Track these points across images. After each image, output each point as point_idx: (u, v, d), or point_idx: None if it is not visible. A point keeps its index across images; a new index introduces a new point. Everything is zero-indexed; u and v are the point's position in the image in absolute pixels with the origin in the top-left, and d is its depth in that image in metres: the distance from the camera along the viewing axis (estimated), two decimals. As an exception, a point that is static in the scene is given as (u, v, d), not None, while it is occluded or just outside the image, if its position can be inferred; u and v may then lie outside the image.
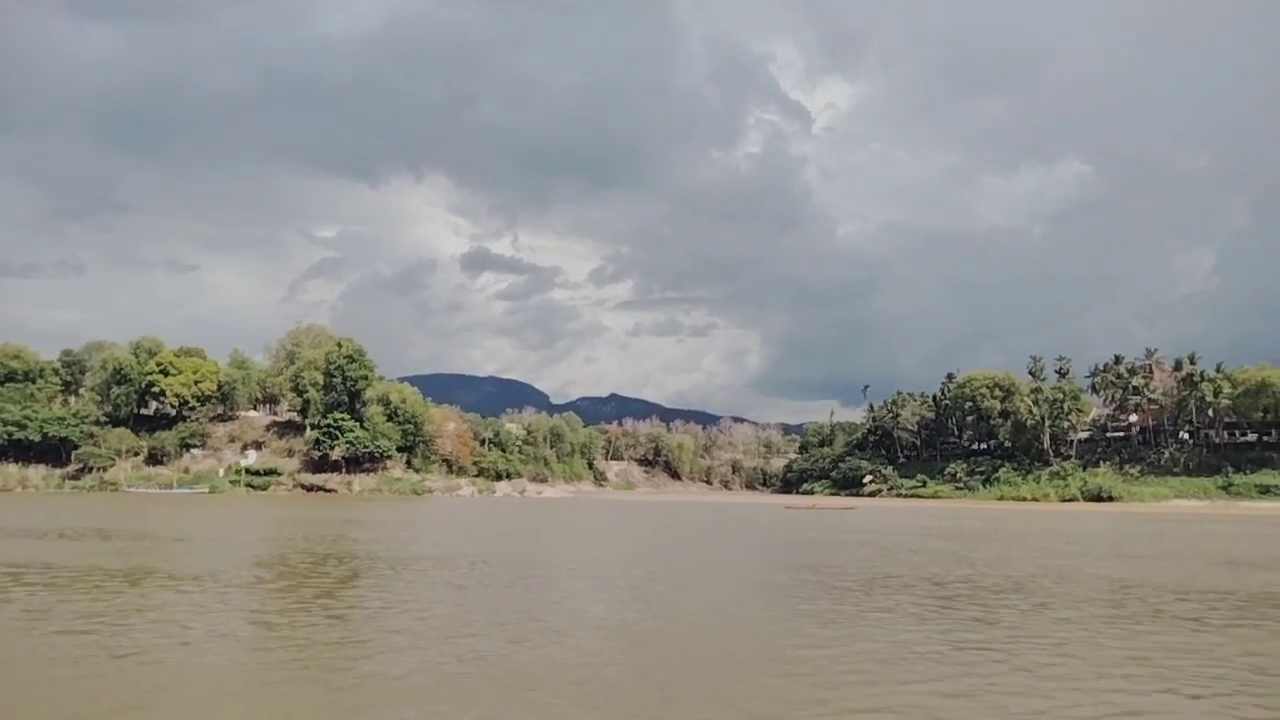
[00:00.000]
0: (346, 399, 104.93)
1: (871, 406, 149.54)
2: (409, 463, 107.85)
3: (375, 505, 70.44)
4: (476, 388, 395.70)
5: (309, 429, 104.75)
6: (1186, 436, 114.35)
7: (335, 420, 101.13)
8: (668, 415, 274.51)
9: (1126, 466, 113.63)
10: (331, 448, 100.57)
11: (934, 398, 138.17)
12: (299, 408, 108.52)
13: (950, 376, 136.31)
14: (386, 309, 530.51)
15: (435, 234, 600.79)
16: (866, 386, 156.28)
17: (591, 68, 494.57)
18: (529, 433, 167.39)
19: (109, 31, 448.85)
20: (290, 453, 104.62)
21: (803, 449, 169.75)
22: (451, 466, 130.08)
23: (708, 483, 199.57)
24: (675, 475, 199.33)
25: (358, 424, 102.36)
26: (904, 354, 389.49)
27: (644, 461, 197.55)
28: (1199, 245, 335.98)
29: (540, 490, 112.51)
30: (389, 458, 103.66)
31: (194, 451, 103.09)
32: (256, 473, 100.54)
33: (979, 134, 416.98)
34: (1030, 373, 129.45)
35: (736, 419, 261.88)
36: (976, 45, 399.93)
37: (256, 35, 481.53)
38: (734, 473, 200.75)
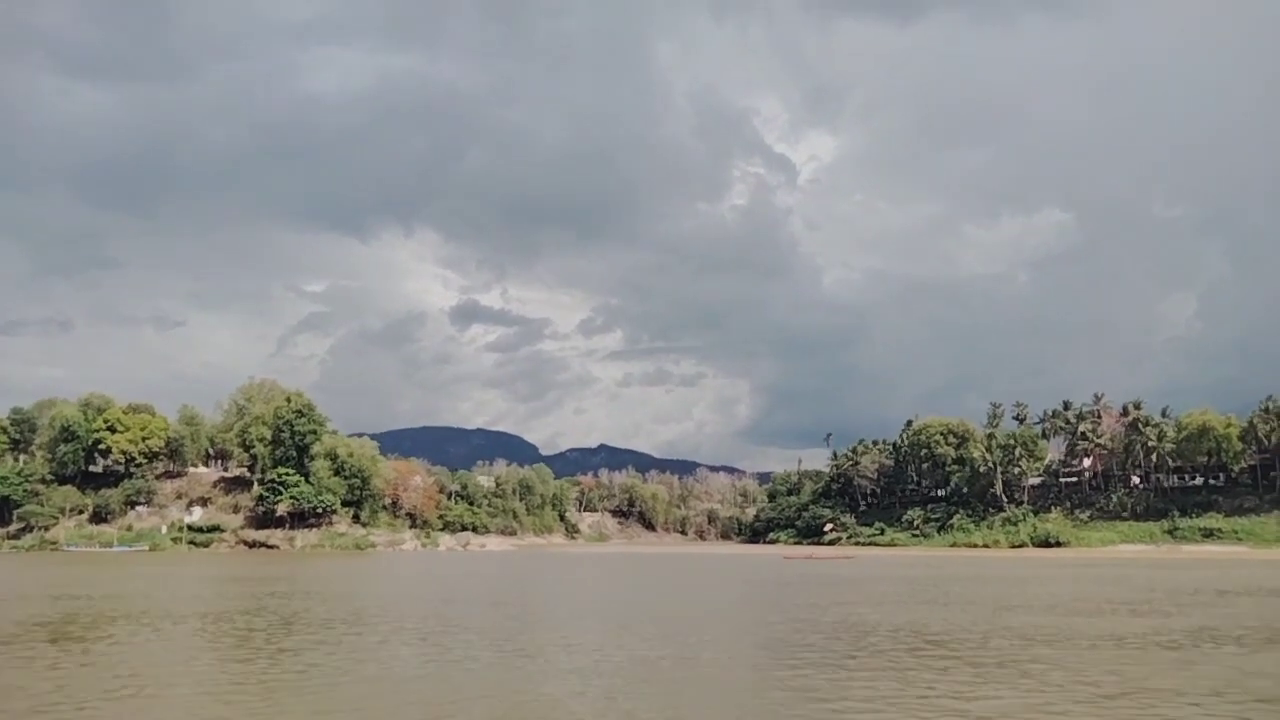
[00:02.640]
0: (295, 454, 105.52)
1: (835, 454, 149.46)
2: (356, 517, 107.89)
3: (309, 562, 70.62)
4: (465, 440, 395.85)
5: (256, 485, 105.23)
6: (1137, 481, 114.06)
7: (280, 475, 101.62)
8: (658, 465, 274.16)
9: (1077, 511, 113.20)
10: (276, 503, 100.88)
11: (894, 445, 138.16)
12: (247, 463, 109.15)
13: (909, 424, 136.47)
14: (375, 362, 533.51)
15: (424, 287, 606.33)
16: (829, 435, 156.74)
17: (578, 121, 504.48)
18: (499, 485, 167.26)
19: (99, 89, 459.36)
20: (236, 509, 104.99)
21: (771, 498, 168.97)
22: (415, 520, 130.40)
23: (683, 533, 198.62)
24: (650, 526, 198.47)
25: (303, 479, 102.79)
26: (891, 400, 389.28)
27: (618, 513, 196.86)
28: (1180, 291, 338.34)
29: (484, 544, 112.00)
30: (334, 512, 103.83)
31: (139, 509, 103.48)
32: (200, 529, 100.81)
33: (959, 184, 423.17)
34: (989, 419, 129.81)
35: (726, 468, 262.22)
36: (954, 98, 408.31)
37: (246, 92, 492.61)
38: (710, 522, 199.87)
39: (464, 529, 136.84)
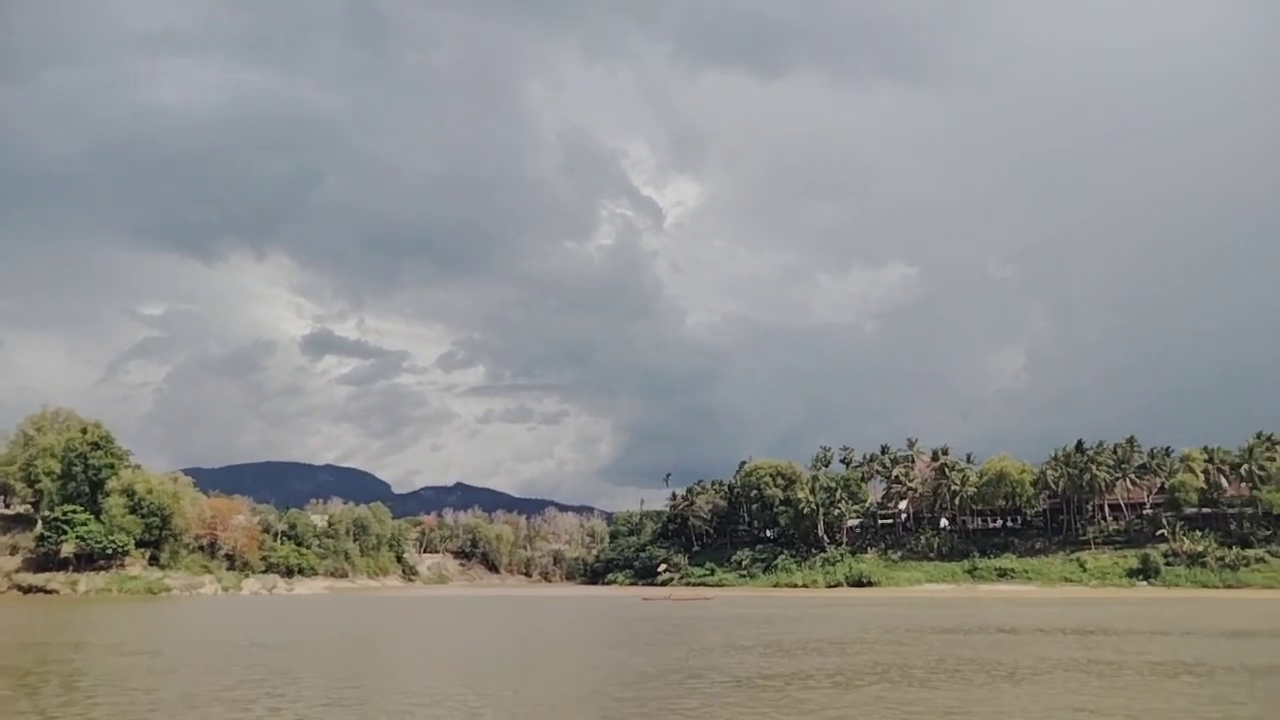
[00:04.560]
0: (87, 489, 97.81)
1: (674, 495, 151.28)
2: (154, 559, 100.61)
3: (89, 609, 64.87)
4: (312, 476, 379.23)
5: (40, 523, 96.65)
6: (945, 523, 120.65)
7: (65, 513, 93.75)
8: (516, 504, 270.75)
9: (890, 552, 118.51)
10: (60, 543, 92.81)
11: (729, 486, 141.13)
12: (32, 499, 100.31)
13: (742, 465, 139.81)
14: (217, 392, 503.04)
15: (275, 315, 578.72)
16: (668, 475, 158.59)
17: (444, 153, 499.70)
18: (331, 525, 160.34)
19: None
20: (14, 550, 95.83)
21: (613, 538, 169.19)
22: (234, 562, 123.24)
23: (527, 575, 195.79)
24: (493, 568, 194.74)
25: (93, 517, 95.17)
26: (747, 442, 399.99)
27: (461, 554, 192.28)
28: (1009, 345, 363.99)
29: (291, 587, 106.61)
30: (127, 554, 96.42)
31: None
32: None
33: (814, 236, 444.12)
34: (815, 462, 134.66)
35: (585, 508, 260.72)
36: (811, 154, 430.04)
37: (86, 101, 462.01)
38: (555, 564, 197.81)
39: (289, 572, 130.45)
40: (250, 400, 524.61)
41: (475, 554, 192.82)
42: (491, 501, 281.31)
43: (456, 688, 20.03)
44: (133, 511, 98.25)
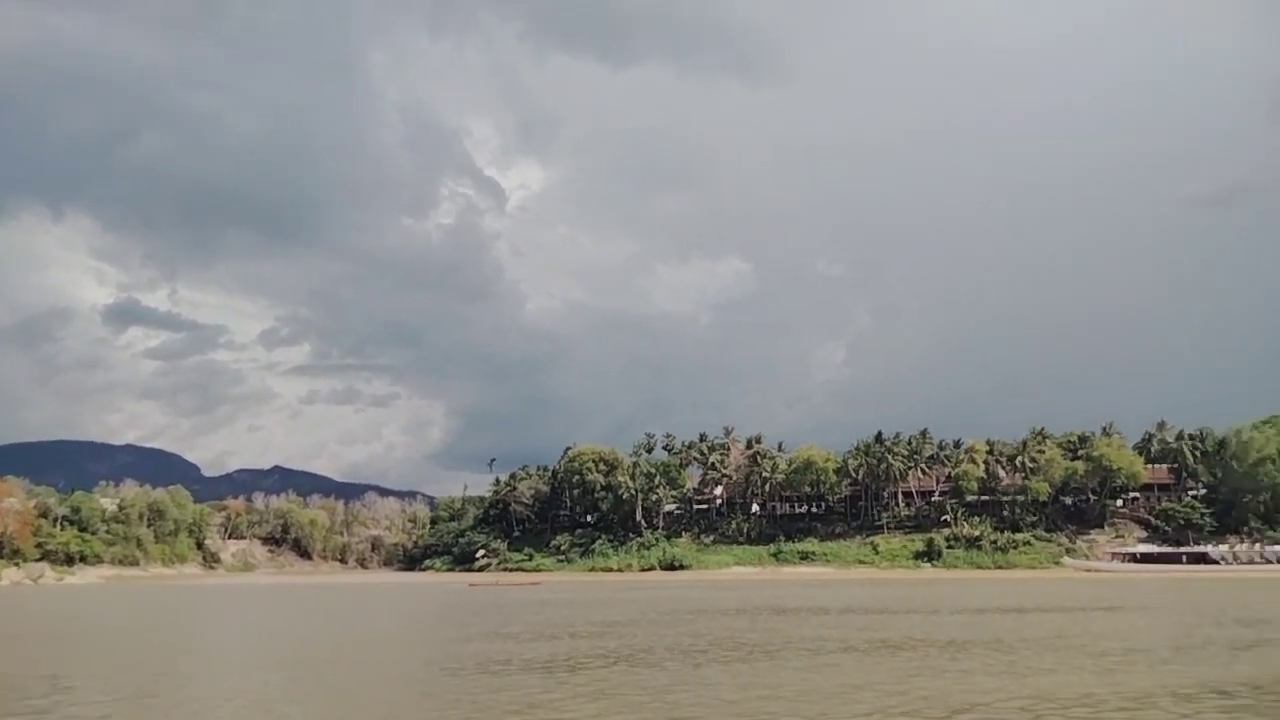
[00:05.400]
0: None
1: (497, 481, 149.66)
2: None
3: None
4: (110, 457, 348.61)
5: None
6: (756, 509, 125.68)
7: None
8: (339, 489, 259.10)
9: (703, 536, 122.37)
10: None
11: (552, 472, 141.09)
12: None
13: (566, 451, 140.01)
14: (1, 363, 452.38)
15: (72, 280, 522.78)
16: (493, 460, 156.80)
17: (274, 116, 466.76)
18: (122, 509, 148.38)
19: None
20: None
21: (433, 523, 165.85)
22: (3, 549, 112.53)
23: (342, 561, 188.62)
24: (306, 555, 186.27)
25: None
26: (585, 428, 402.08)
27: (270, 540, 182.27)
28: (833, 340, 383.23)
29: (62, 576, 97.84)
30: None
31: None
32: None
33: (656, 226, 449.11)
34: (637, 448, 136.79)
35: (414, 493, 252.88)
36: (656, 145, 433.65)
37: None
38: (373, 550, 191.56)
39: (69, 560, 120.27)
40: (40, 373, 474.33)
41: (287, 540, 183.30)
42: (311, 485, 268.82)
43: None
44: None
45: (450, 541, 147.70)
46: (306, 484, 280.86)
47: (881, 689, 16.76)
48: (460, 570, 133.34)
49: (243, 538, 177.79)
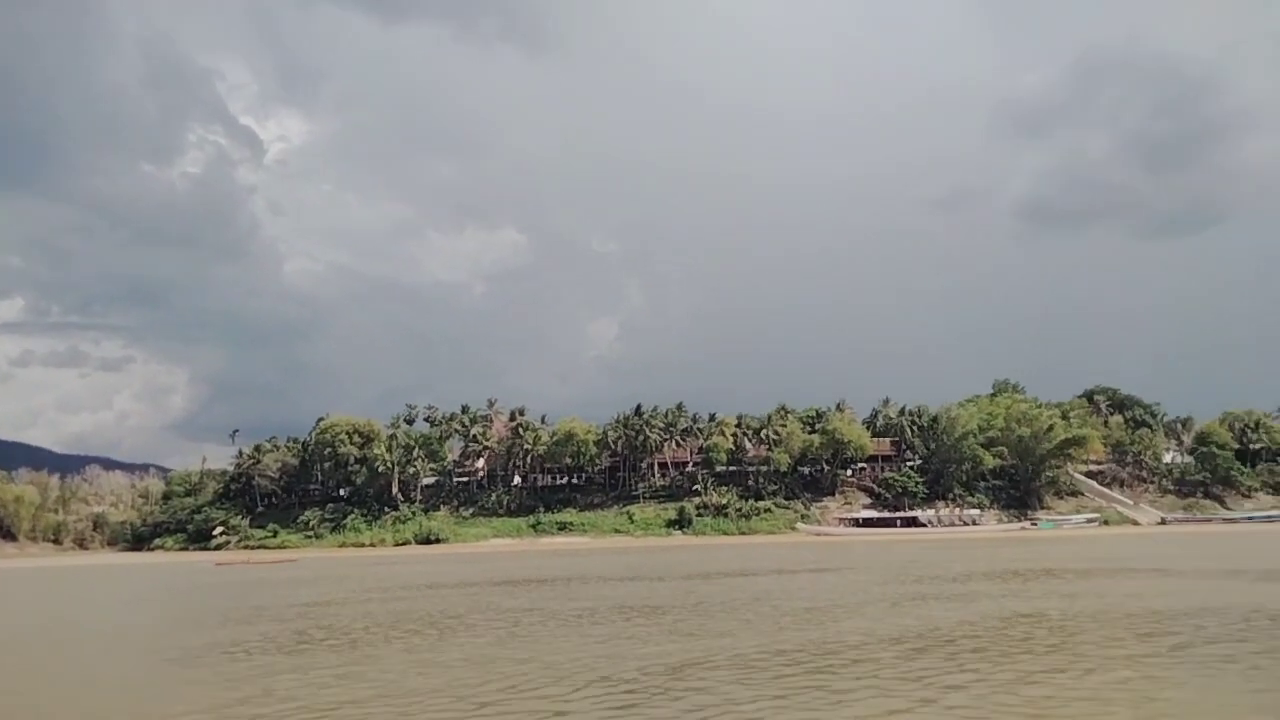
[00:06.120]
0: None
1: (240, 453, 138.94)
2: None
3: None
4: None
5: None
6: (518, 480, 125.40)
7: None
8: (61, 462, 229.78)
9: (462, 509, 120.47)
10: None
11: (302, 444, 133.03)
12: None
13: (319, 422, 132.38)
14: None
15: None
16: (235, 431, 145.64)
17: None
18: None
19: None
20: None
21: (165, 499, 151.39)
22: None
23: (57, 543, 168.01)
24: (11, 536, 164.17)
25: None
26: (346, 399, 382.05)
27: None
28: (606, 316, 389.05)
29: None
30: None
31: None
32: None
33: (430, 191, 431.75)
34: (396, 420, 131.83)
35: (151, 466, 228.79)
36: (431, 108, 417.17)
37: None
38: (95, 529, 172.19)
39: None
40: None
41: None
42: (25, 458, 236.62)
43: None
44: None
45: (185, 518, 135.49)
46: (20, 456, 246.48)
47: (524, 663, 16.51)
48: (195, 549, 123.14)
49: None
